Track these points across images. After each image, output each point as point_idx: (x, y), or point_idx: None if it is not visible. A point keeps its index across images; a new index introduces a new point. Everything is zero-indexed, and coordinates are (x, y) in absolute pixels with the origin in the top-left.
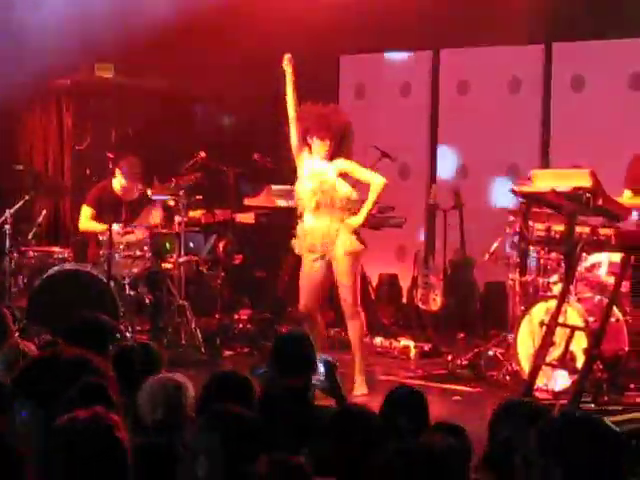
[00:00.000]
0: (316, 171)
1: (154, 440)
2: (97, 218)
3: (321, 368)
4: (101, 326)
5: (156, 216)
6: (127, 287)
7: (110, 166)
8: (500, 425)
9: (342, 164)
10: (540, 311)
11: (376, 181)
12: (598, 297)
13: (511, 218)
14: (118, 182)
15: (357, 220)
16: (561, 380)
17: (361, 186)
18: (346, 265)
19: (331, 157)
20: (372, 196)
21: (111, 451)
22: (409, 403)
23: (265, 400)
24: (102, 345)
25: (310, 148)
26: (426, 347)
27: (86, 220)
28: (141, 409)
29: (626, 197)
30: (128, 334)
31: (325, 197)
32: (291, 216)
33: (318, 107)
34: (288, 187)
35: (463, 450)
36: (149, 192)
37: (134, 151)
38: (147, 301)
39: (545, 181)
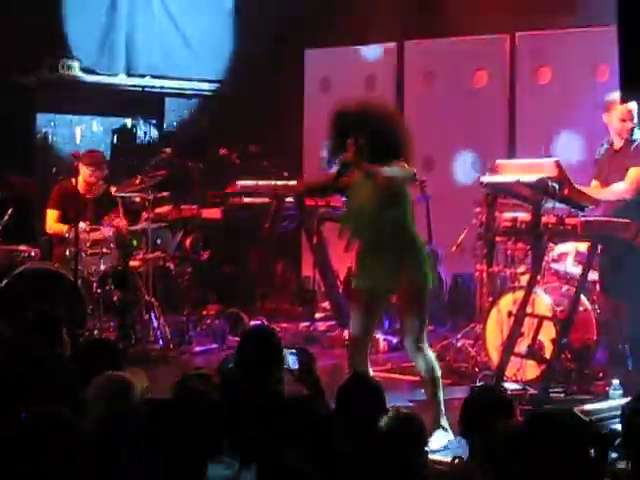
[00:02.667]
0: None
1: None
2: (63, 217)
3: (295, 360)
4: (52, 319)
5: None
6: (94, 285)
7: (75, 164)
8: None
9: None
10: (508, 302)
11: None
12: (566, 287)
13: (477, 209)
14: (82, 179)
15: None
16: (530, 370)
17: None
18: None
19: None
20: None
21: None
22: (364, 393)
23: (230, 395)
24: (54, 337)
25: None
26: (395, 340)
27: (52, 223)
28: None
29: (594, 187)
30: (96, 331)
31: None
32: (257, 211)
33: None
34: (254, 182)
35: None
36: (113, 190)
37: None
38: (115, 298)
39: (511, 172)
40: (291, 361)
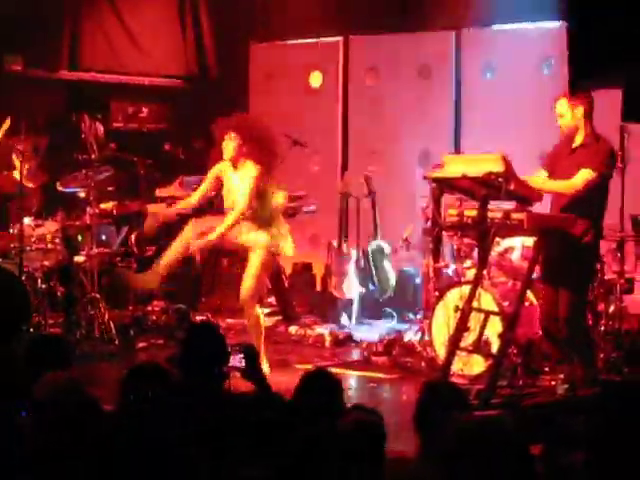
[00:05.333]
0: None
1: None
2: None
3: (240, 357)
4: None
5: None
6: (39, 280)
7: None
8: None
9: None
10: (454, 296)
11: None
12: (512, 281)
13: (423, 204)
14: (18, 170)
15: None
16: (477, 365)
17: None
18: None
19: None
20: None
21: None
22: (323, 387)
23: (177, 392)
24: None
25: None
26: (341, 335)
27: None
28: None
29: (539, 177)
30: (41, 327)
31: None
32: (203, 207)
33: None
34: (199, 177)
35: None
36: (58, 185)
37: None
38: (59, 294)
39: (457, 166)
40: (238, 358)
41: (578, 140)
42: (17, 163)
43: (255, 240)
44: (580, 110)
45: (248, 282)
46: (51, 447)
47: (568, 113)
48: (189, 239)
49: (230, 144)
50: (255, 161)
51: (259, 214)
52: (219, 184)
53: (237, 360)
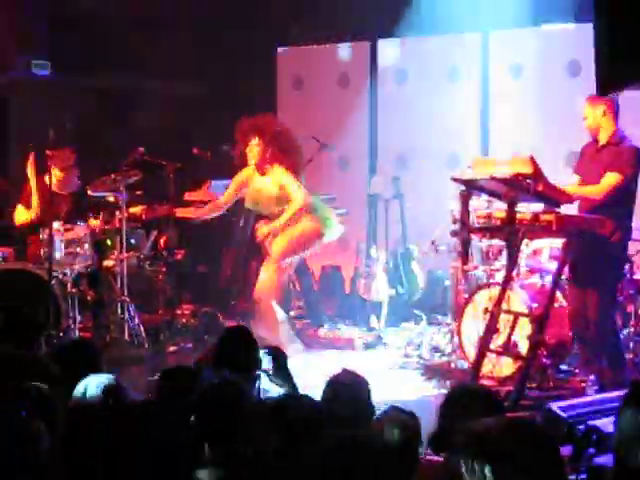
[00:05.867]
0: None
1: None
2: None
3: (269, 359)
4: (27, 321)
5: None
6: (69, 285)
7: (47, 163)
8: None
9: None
10: (483, 298)
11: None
12: (541, 283)
13: (452, 206)
14: (54, 177)
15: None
16: (506, 367)
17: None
18: None
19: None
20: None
21: (27, 461)
22: (351, 390)
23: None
24: (30, 339)
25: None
26: (370, 337)
27: (20, 216)
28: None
29: (573, 183)
30: (71, 332)
31: None
32: (230, 210)
33: None
34: (227, 181)
35: (413, 435)
36: (88, 190)
37: (71, 146)
38: (89, 298)
39: (485, 168)
40: (266, 361)
41: (602, 140)
42: (55, 171)
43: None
44: (601, 110)
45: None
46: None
47: (590, 114)
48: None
49: (254, 149)
50: (280, 163)
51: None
52: (244, 189)
53: (267, 362)
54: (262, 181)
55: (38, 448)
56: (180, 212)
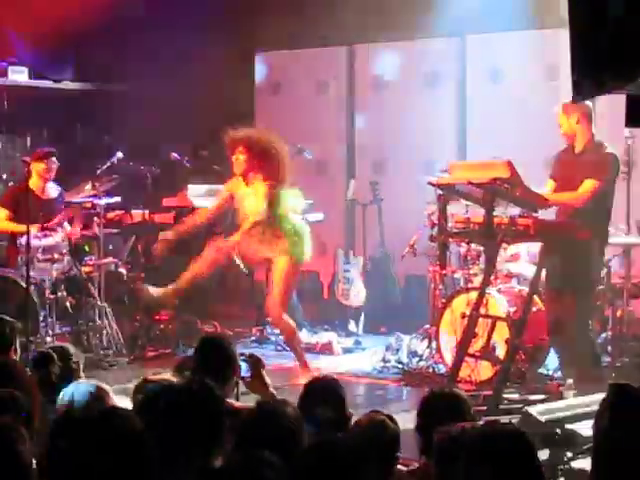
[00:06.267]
0: None
1: None
2: (13, 220)
3: (246, 367)
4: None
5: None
6: (47, 290)
7: (26, 169)
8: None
9: None
10: (461, 303)
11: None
12: (518, 287)
13: (429, 211)
14: (35, 179)
15: None
16: (484, 371)
17: None
18: None
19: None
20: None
21: (11, 464)
22: (327, 394)
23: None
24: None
25: None
26: (348, 343)
27: (0, 221)
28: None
29: (549, 188)
30: (49, 338)
31: None
32: (215, 223)
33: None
34: (206, 187)
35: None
36: (66, 196)
37: (50, 152)
38: (67, 304)
39: (463, 172)
40: (243, 368)
41: (579, 147)
42: (37, 169)
43: (276, 251)
44: (574, 118)
45: (274, 295)
46: None
47: (564, 122)
48: (208, 259)
49: (240, 158)
50: (265, 174)
51: (275, 224)
52: (232, 201)
53: (244, 370)
54: (247, 191)
55: (21, 454)
56: (158, 218)
